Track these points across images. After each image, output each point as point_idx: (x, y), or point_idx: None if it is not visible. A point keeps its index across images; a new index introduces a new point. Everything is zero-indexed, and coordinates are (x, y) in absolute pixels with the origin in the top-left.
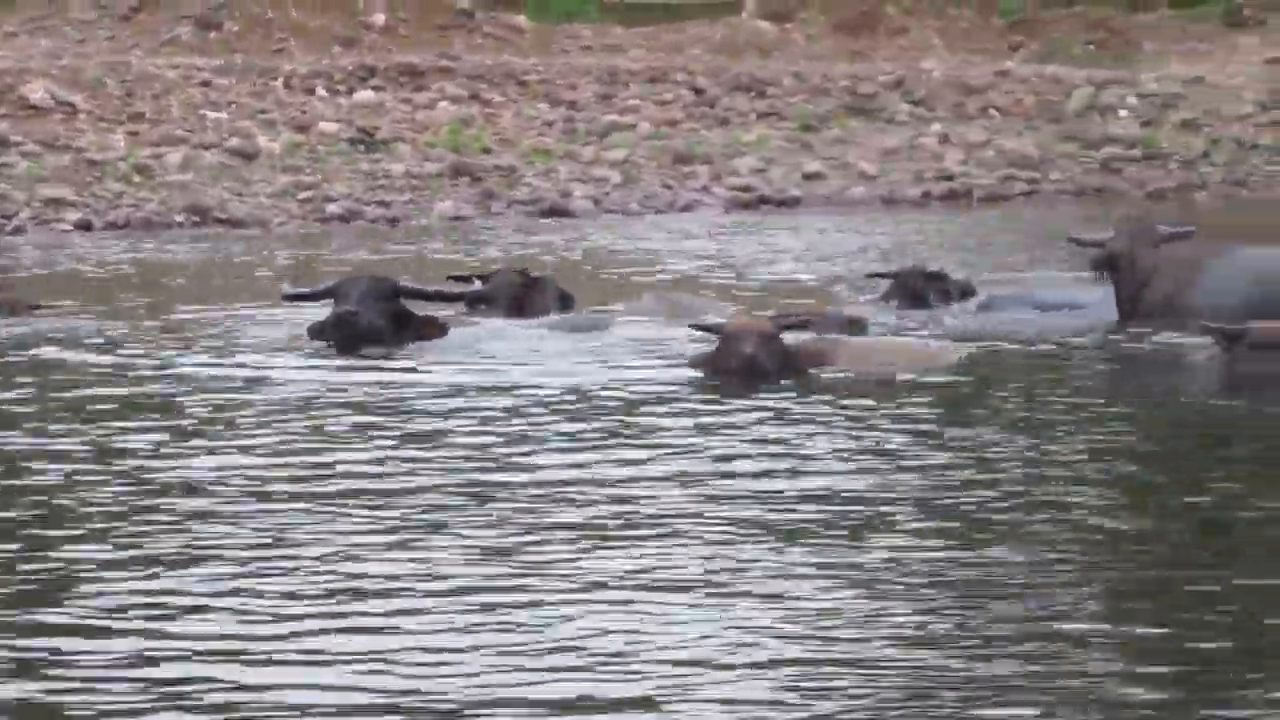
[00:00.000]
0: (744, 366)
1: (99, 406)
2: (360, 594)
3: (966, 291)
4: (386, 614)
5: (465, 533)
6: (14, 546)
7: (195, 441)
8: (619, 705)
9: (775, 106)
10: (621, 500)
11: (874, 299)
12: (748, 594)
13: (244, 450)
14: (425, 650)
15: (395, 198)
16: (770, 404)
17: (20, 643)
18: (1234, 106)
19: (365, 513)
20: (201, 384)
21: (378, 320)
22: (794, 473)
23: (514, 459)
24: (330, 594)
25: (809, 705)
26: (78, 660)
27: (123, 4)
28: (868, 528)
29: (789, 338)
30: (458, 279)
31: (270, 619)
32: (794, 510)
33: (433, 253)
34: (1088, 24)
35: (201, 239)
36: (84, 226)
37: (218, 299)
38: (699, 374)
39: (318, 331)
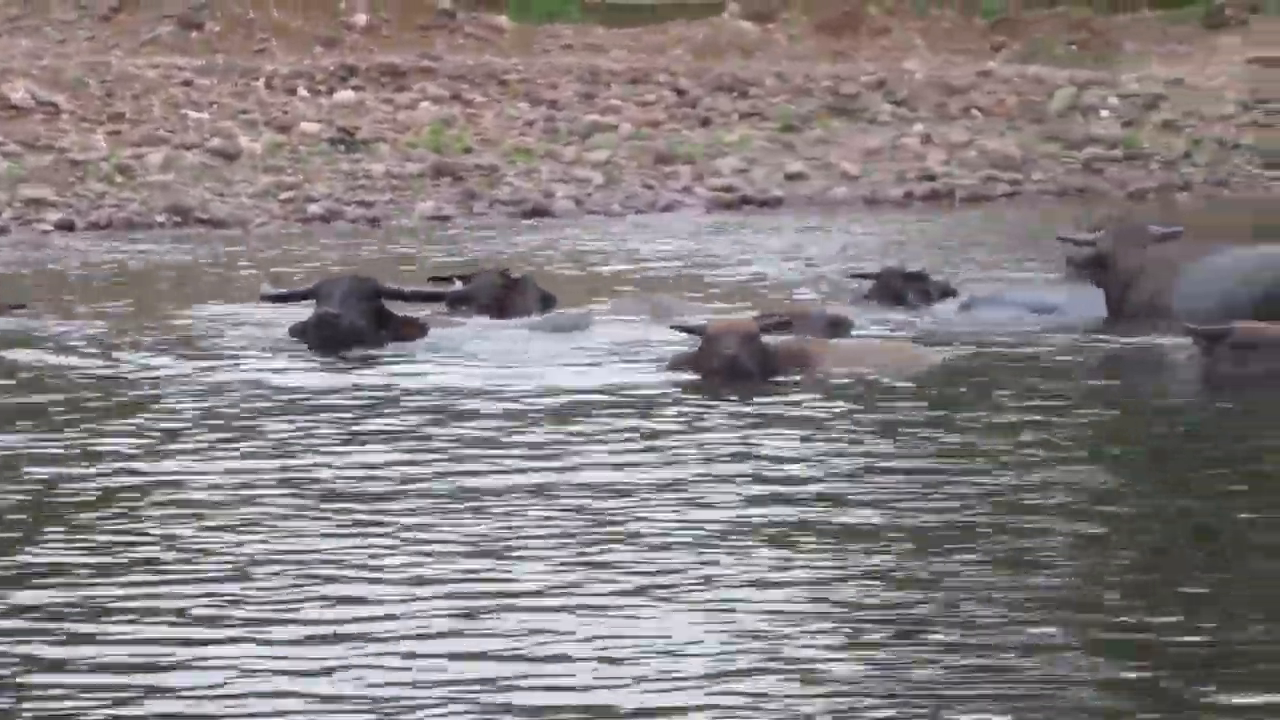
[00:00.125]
0: (726, 367)
1: (79, 407)
2: (339, 600)
3: (946, 292)
4: (365, 619)
5: (447, 537)
6: None
7: (175, 443)
8: (602, 713)
9: (757, 107)
10: (602, 505)
11: (855, 299)
12: (731, 599)
13: (224, 453)
14: (404, 656)
15: (377, 198)
16: (751, 405)
17: None
18: (1216, 107)
19: (346, 516)
20: (181, 385)
21: (359, 321)
22: (775, 476)
23: (495, 462)
24: (309, 600)
25: (792, 709)
26: (56, 664)
27: (103, 4)
28: (848, 532)
29: (771, 338)
30: (439, 280)
31: (247, 625)
32: (776, 514)
33: (415, 253)
34: (1069, 25)
35: (183, 239)
36: (66, 227)
37: (199, 299)
38: (681, 375)
39: (299, 332)
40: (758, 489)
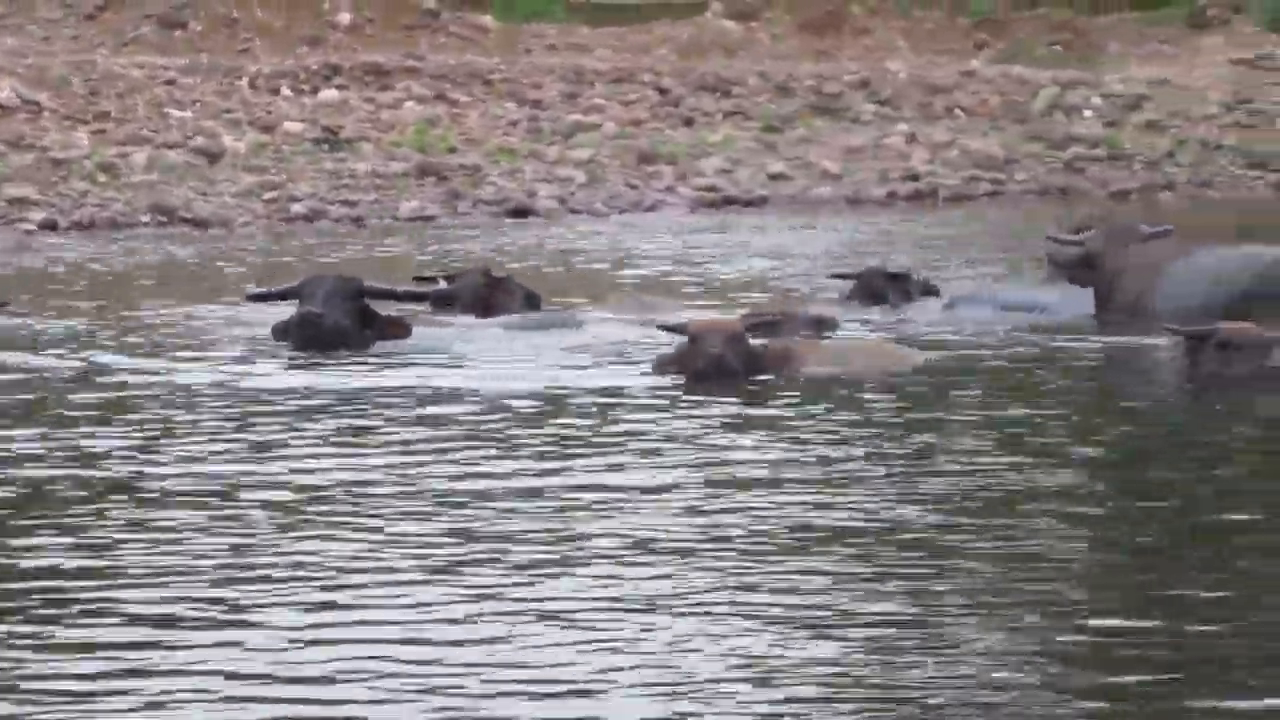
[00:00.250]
0: (711, 366)
1: (60, 407)
2: (322, 605)
3: (929, 291)
4: (346, 624)
5: (431, 539)
6: None
7: (159, 443)
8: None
9: (741, 106)
10: (586, 507)
11: (837, 299)
12: (719, 607)
13: (207, 453)
14: (390, 661)
15: (361, 197)
16: (736, 405)
17: None
18: (1199, 107)
19: (329, 520)
20: (163, 384)
21: (342, 320)
22: (757, 478)
23: (479, 463)
24: (293, 606)
25: (775, 715)
26: (37, 671)
27: (87, 3)
28: (835, 535)
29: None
30: (423, 279)
31: (232, 630)
32: (759, 518)
33: (400, 253)
34: (1052, 25)
35: (166, 239)
36: (48, 226)
37: (182, 299)
38: (666, 374)
39: (282, 332)
40: (741, 491)
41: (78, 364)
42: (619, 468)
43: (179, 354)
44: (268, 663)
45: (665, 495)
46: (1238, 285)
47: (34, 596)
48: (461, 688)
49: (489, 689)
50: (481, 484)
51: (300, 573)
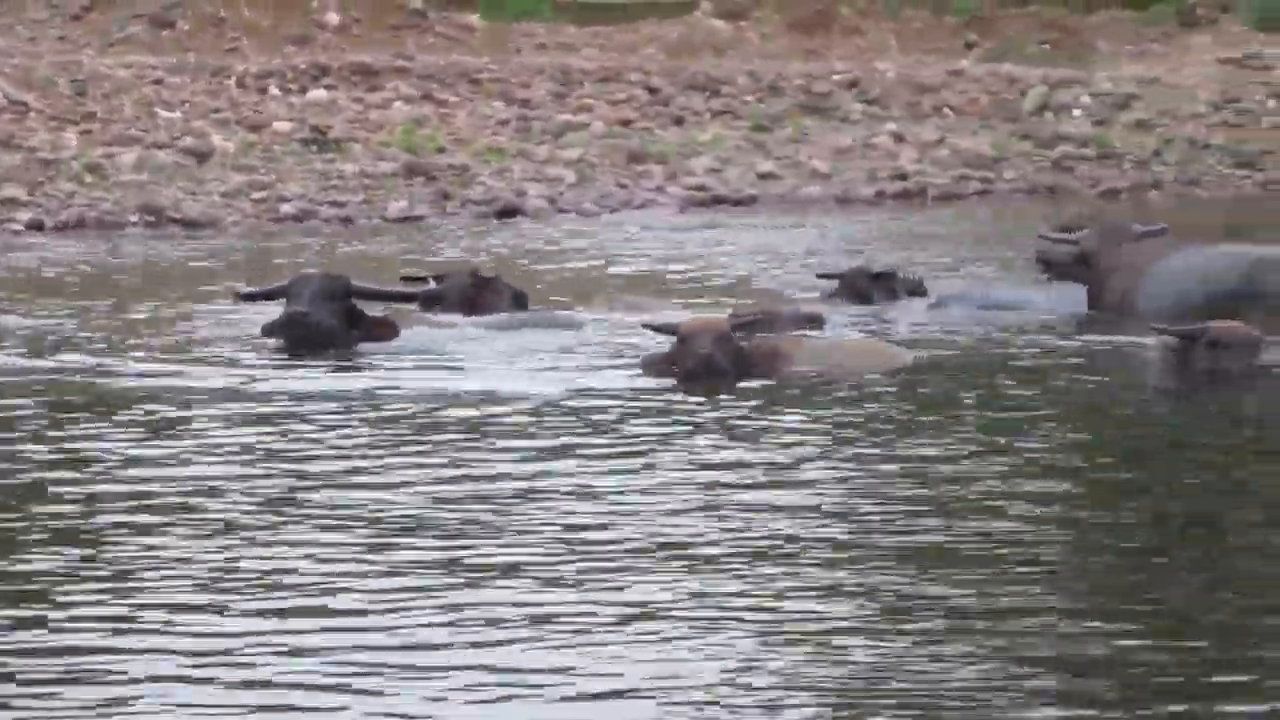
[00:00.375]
0: (700, 366)
1: (46, 408)
2: (313, 611)
3: (917, 290)
4: (338, 630)
5: (421, 543)
6: None
7: (148, 444)
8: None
9: (730, 105)
10: (576, 507)
11: (823, 298)
12: (707, 611)
13: (197, 453)
14: (384, 666)
15: (349, 197)
16: (724, 405)
17: None
18: (1188, 106)
19: (317, 521)
20: (151, 384)
21: (330, 320)
22: (747, 481)
23: (468, 464)
24: (284, 612)
25: None
26: (32, 673)
27: (74, 2)
28: (828, 539)
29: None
30: (411, 279)
31: (219, 635)
32: (751, 521)
33: (388, 253)
34: (1041, 24)
35: (155, 239)
36: (36, 226)
37: (171, 299)
38: (654, 374)
39: (270, 331)
40: (730, 494)
41: (63, 363)
42: (607, 471)
43: (166, 353)
44: (246, 668)
45: (654, 497)
46: (1223, 285)
47: (21, 602)
48: (450, 694)
49: (477, 695)
50: (469, 486)
51: (286, 577)
